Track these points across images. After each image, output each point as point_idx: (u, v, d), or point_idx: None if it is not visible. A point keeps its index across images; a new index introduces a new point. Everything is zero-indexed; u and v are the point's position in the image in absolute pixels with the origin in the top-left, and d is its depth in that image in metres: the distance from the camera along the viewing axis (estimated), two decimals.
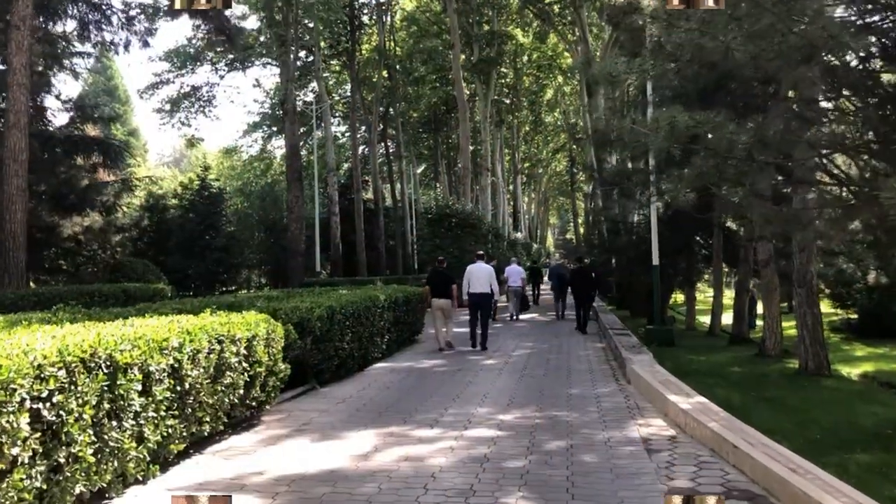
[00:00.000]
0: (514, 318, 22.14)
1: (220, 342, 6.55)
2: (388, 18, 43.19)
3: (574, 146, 63.73)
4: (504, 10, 41.47)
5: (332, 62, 46.04)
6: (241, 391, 7.05)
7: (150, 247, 35.47)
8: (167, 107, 37.82)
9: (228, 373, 6.70)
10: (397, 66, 43.80)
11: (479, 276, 14.27)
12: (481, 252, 16.49)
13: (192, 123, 40.23)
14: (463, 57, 38.73)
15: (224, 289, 35.21)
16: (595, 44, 32.45)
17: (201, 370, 6.16)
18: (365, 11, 41.14)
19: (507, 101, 50.16)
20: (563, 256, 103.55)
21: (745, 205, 9.25)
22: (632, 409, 8.37)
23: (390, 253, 45.48)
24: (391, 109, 47.03)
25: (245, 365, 7.09)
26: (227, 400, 6.71)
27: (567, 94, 58.62)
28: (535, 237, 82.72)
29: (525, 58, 50.89)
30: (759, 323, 21.43)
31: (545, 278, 34.48)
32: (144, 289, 17.87)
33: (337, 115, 51.61)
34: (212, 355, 6.36)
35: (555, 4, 37.61)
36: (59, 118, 30.26)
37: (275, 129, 45.47)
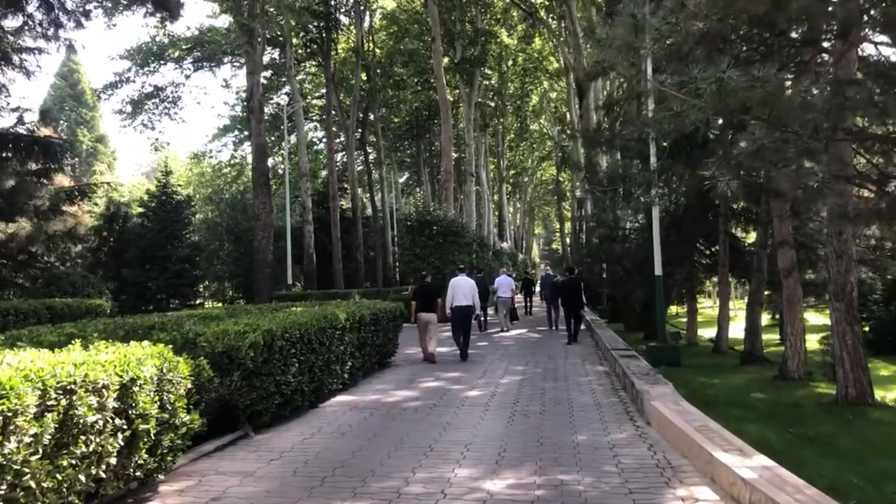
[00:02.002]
0: (505, 329, 22.01)
1: (67, 393, 4.36)
2: (367, 17, 41.14)
3: (561, 152, 61.94)
4: (489, 9, 39.47)
5: (306, 64, 43.84)
6: (113, 460, 4.85)
7: (111, 258, 33.08)
8: (128, 108, 35.47)
9: (85, 437, 4.51)
10: (377, 69, 41.70)
11: (462, 289, 14.49)
12: (462, 265, 16.85)
13: (156, 126, 37.76)
14: (446, 60, 36.75)
15: (188, 302, 32.81)
16: (584, 40, 30.48)
17: (25, 441, 3.97)
18: (342, 10, 38.97)
19: (492, 105, 48.09)
20: (549, 267, 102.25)
21: (808, 193, 7.14)
22: (663, 467, 6.24)
23: (370, 264, 43.24)
24: (370, 114, 44.89)
25: (119, 421, 4.90)
26: (82, 478, 4.51)
27: (553, 99, 56.86)
28: (521, 247, 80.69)
29: (510, 62, 49.00)
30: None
31: (537, 289, 34.23)
32: (76, 305, 15.61)
33: (313, 119, 49.43)
34: (48, 416, 4.17)
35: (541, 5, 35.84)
36: (6, 119, 27.84)
37: (246, 133, 43.09)
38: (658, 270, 16.59)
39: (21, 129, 22.45)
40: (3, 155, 19.37)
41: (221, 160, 47.31)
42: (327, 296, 24.09)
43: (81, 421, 4.45)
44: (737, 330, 23.04)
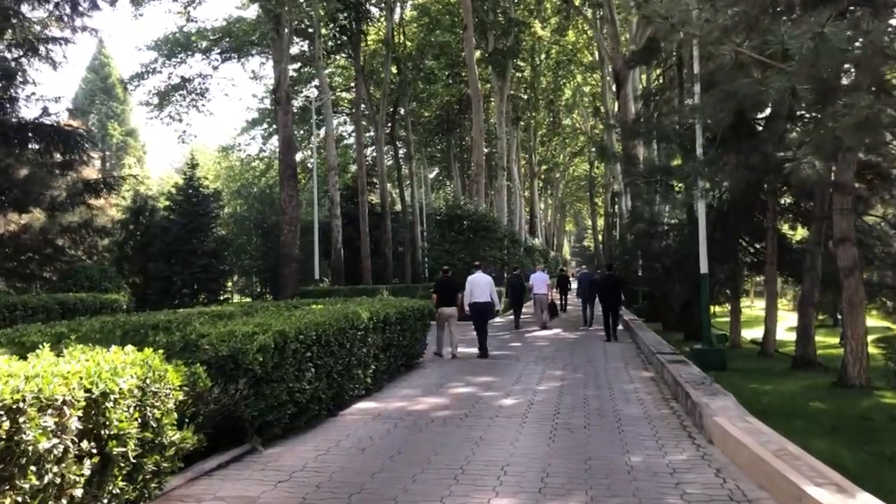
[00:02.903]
0: (544, 326, 21.76)
1: (12, 413, 3.51)
2: (398, 8, 40.25)
3: (595, 147, 60.53)
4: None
5: (336, 56, 43.04)
6: (79, 491, 4.00)
7: (138, 252, 32.67)
8: (155, 99, 34.93)
9: (38, 467, 3.66)
10: (407, 62, 40.77)
11: (480, 285, 14.73)
12: (478, 262, 17.27)
13: (183, 118, 37.20)
14: (478, 53, 35.73)
15: (213, 298, 32.25)
16: (622, 28, 29.36)
17: None
18: (372, 0, 38.09)
19: (525, 97, 46.91)
20: (580, 265, 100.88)
21: None
22: (738, 501, 5.25)
23: (398, 260, 42.41)
24: (400, 108, 44.01)
25: (87, 445, 4.05)
26: None
27: (587, 93, 55.57)
28: (552, 244, 79.39)
29: (543, 55, 47.81)
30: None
31: (573, 286, 33.09)
32: (91, 300, 14.94)
33: (343, 113, 48.68)
34: None
35: None
36: (31, 109, 27.48)
37: (274, 126, 42.50)
38: (704, 268, 15.49)
39: (46, 121, 21.98)
40: (17, 143, 18.74)
41: (250, 154, 46.82)
42: (355, 291, 23.33)
43: (31, 447, 3.59)
44: (779, 331, 21.88)
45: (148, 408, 4.68)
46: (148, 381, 4.72)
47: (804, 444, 6.67)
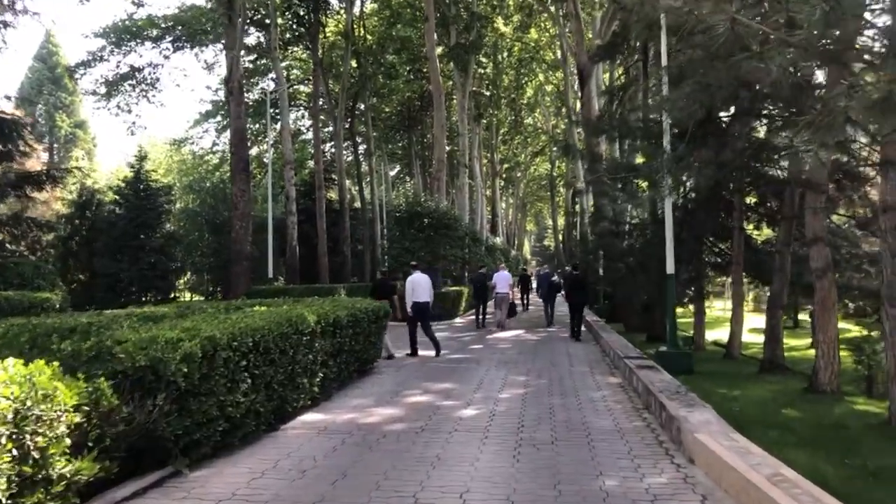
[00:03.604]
0: (501, 325, 21.67)
1: None
2: (359, 1, 39.25)
3: (555, 146, 60.18)
4: None
5: (294, 49, 41.85)
6: None
7: (84, 248, 31.24)
8: (102, 89, 33.41)
9: None
10: (367, 56, 39.81)
11: (421, 285, 14.75)
12: (416, 263, 17.20)
13: (132, 109, 35.64)
14: (440, 50, 34.93)
15: (164, 296, 30.97)
16: (586, 24, 28.82)
17: None
18: None
19: (487, 94, 46.24)
20: (540, 264, 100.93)
21: None
22: None
23: (357, 258, 41.46)
24: (360, 103, 43.01)
25: None
26: None
27: (549, 93, 55.24)
28: (513, 244, 79.01)
29: (505, 53, 47.24)
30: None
31: (534, 285, 32.68)
32: (18, 299, 13.81)
33: (300, 108, 47.47)
34: None
35: None
36: None
37: (229, 118, 41.17)
38: (670, 268, 14.94)
39: None
40: None
41: (203, 147, 45.30)
42: (310, 291, 22.40)
43: None
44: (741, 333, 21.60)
45: (28, 436, 3.82)
46: (29, 403, 3.86)
47: (782, 456, 6.10)
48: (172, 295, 31.49)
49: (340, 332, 9.59)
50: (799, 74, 4.58)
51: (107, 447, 4.91)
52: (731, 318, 19.59)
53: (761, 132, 19.47)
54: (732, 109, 15.94)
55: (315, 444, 7.04)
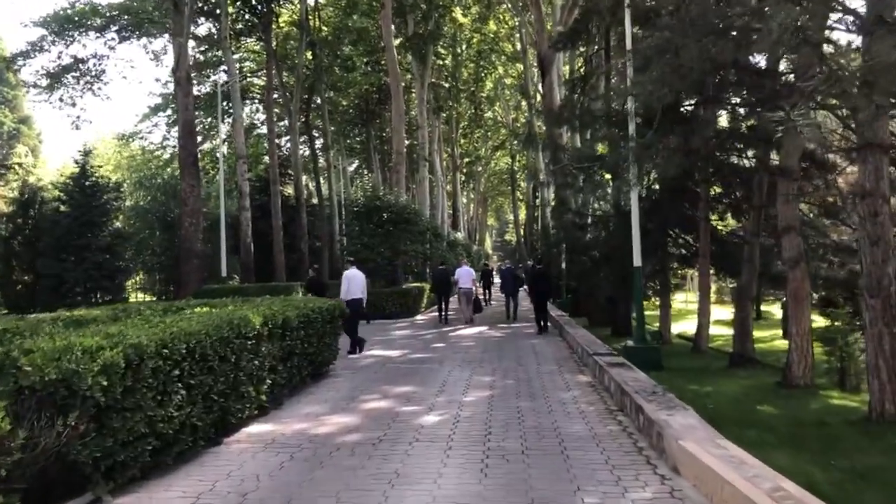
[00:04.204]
0: (468, 320, 21.75)
1: None
2: None
3: (515, 142, 59.84)
4: None
5: (247, 40, 40.59)
6: None
7: (27, 248, 29.80)
8: (43, 81, 31.88)
9: None
10: (323, 47, 38.78)
11: (356, 281, 14.94)
12: (352, 259, 17.57)
13: (77, 103, 34.09)
14: (397, 42, 34.10)
15: (115, 296, 29.68)
16: (546, 13, 28.29)
17: None
18: None
19: (446, 86, 45.52)
20: (501, 259, 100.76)
21: None
22: None
23: (315, 255, 40.45)
24: (316, 97, 41.95)
25: None
26: None
27: (508, 86, 54.79)
28: (474, 239, 78.53)
29: (464, 45, 46.58)
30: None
31: (496, 280, 32.74)
32: None
33: (255, 101, 46.18)
34: None
35: None
36: None
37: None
38: (637, 261, 14.46)
39: None
40: None
41: (153, 142, 43.75)
42: (266, 289, 21.49)
43: None
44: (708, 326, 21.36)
45: None
46: None
47: (764, 457, 5.61)
48: (122, 296, 30.18)
49: (291, 334, 8.84)
50: (805, 35, 4.09)
51: (3, 479, 4.14)
52: (697, 311, 19.25)
53: (724, 121, 19.23)
54: (697, 98, 15.55)
55: (260, 461, 6.31)
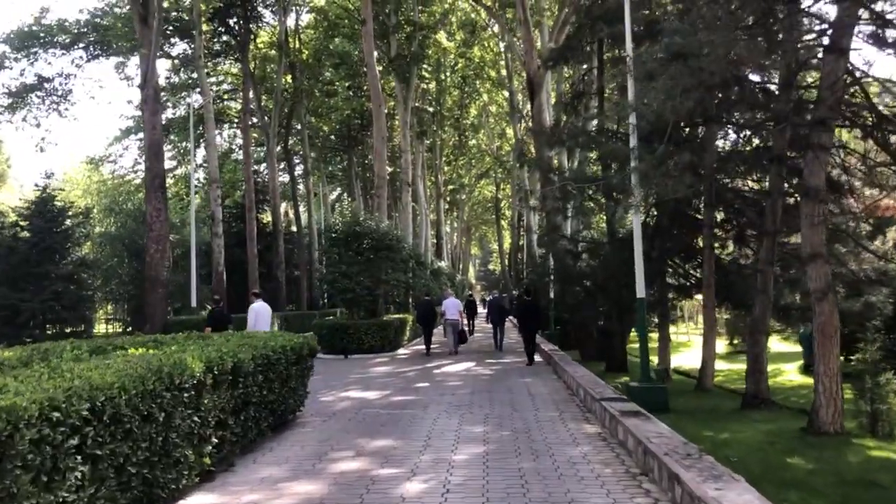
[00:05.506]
0: (454, 352, 21.54)
1: None
2: (294, 12, 37.00)
3: (499, 171, 58.73)
4: (427, 4, 35.66)
5: (224, 61, 39.25)
6: None
7: None
8: (5, 100, 30.25)
9: None
10: (303, 70, 37.55)
11: (263, 314, 14.90)
12: (257, 291, 17.64)
13: (42, 123, 32.58)
14: (380, 68, 32.93)
15: (83, 329, 27.88)
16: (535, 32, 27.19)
17: None
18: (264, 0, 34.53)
19: (430, 110, 44.34)
20: (485, 288, 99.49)
21: None
22: None
23: (293, 285, 38.84)
24: (296, 122, 40.60)
25: None
26: None
27: (493, 113, 53.84)
28: (458, 268, 77.12)
29: (448, 71, 45.56)
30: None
31: (479, 311, 32.13)
32: None
33: (232, 125, 44.74)
34: None
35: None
36: None
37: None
38: (640, 292, 13.09)
39: None
40: None
41: (124, 166, 42.10)
42: (239, 320, 19.95)
43: None
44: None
45: None
46: None
47: None
48: (84, 328, 28.29)
49: (244, 380, 7.31)
50: None
51: None
52: (703, 345, 17.83)
53: (727, 144, 18.08)
54: (708, 114, 14.34)
55: None
